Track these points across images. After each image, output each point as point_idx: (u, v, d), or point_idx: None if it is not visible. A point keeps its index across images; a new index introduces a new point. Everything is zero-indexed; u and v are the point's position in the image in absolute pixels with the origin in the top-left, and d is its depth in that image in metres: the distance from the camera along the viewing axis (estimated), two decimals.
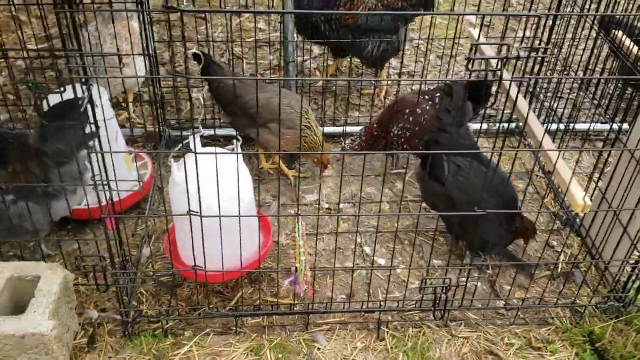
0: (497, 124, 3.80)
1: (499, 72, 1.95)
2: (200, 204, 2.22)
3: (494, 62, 2.03)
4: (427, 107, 3.22)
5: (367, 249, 3.10)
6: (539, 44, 3.58)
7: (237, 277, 2.73)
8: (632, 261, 2.61)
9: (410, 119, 3.21)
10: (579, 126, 3.84)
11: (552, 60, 3.79)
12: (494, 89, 3.31)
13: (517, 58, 1.96)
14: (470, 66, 1.95)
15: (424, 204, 3.33)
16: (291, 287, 2.57)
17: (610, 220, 2.70)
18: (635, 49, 3.12)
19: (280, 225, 3.18)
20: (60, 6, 1.88)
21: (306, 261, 2.38)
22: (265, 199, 3.39)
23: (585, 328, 2.64)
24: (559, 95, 3.89)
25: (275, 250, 2.98)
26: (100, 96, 2.89)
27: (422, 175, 2.98)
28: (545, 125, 3.54)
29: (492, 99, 3.16)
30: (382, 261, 3.03)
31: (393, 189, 3.52)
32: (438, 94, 3.22)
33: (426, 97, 3.25)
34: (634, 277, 2.64)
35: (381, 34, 3.67)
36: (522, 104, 2.77)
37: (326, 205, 3.38)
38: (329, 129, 3.87)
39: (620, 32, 3.35)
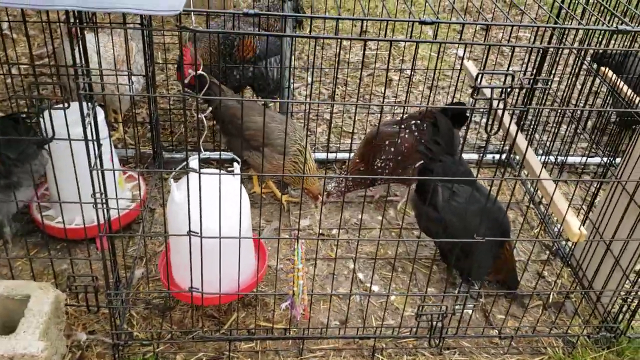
0: (492, 154, 3.86)
1: (502, 102, 2.00)
2: (201, 224, 2.21)
3: (489, 91, 2.07)
4: (406, 136, 3.29)
5: (361, 276, 3.09)
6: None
7: (231, 301, 2.70)
8: (624, 292, 2.64)
9: (392, 149, 3.27)
10: (569, 159, 3.93)
11: (540, 94, 3.89)
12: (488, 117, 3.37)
13: (521, 87, 2.01)
14: (475, 94, 1.99)
15: (416, 232, 3.35)
16: (288, 310, 2.55)
17: (602, 251, 2.74)
18: (625, 88, 3.21)
19: (275, 249, 3.16)
20: (72, 22, 1.88)
21: (304, 285, 2.37)
22: (259, 223, 3.37)
23: (577, 358, 2.65)
24: (548, 128, 3.98)
25: (269, 275, 2.96)
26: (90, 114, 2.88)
27: (417, 201, 3.01)
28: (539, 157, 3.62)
29: (493, 129, 3.22)
30: (375, 288, 3.02)
31: (387, 216, 3.54)
32: (413, 122, 3.30)
33: (402, 125, 3.32)
34: (625, 308, 2.67)
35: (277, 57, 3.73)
36: (519, 135, 2.83)
37: (320, 231, 3.37)
38: (320, 155, 3.90)
39: (610, 71, 3.45)
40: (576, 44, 3.94)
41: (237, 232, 2.28)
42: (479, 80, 1.95)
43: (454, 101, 3.55)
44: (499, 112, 2.11)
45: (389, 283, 3.04)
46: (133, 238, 3.15)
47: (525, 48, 4.22)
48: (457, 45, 5.53)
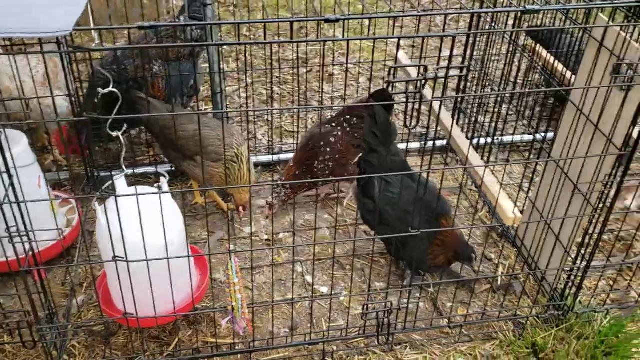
0: (424, 142, 3.85)
1: (419, 93, 1.97)
2: (125, 249, 2.12)
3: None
4: (340, 134, 3.25)
5: (309, 278, 3.04)
6: (464, 62, 3.69)
7: (173, 321, 2.62)
8: (567, 269, 2.65)
9: (328, 149, 3.22)
10: (506, 138, 3.95)
11: (478, 75, 3.89)
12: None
13: (435, 78, 1.98)
14: (391, 89, 1.95)
15: (364, 227, 3.32)
16: (230, 326, 2.48)
17: (543, 229, 2.75)
18: (557, 64, 3.24)
19: (219, 261, 3.09)
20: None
21: (242, 299, 2.31)
22: (202, 235, 3.29)
23: (528, 339, 2.66)
24: (485, 109, 3.99)
25: (215, 289, 2.88)
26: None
27: (359, 195, 2.98)
28: (477, 139, 3.62)
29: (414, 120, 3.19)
30: (324, 289, 2.98)
31: (332, 214, 3.49)
32: (343, 119, 3.26)
33: (333, 124, 3.28)
34: (570, 285, 2.68)
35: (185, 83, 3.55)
36: (447, 121, 2.81)
37: (265, 237, 3.31)
38: (263, 158, 3.83)
39: (541, 47, 3.48)
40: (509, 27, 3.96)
41: (169, 251, 2.20)
42: (392, 74, 1.92)
43: (377, 89, 3.50)
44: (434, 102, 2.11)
45: (339, 283, 3.01)
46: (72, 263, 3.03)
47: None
48: (393, 34, 5.51)
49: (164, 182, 2.41)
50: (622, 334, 2.59)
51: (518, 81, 4.20)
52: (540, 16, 3.77)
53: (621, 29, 2.24)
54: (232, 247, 3.20)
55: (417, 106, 1.99)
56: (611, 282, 3.00)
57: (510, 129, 4.08)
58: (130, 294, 2.22)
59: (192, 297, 2.45)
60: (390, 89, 1.95)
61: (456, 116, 3.84)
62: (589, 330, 2.63)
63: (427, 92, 3.01)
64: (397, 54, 3.06)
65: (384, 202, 2.77)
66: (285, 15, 5.73)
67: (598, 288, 2.96)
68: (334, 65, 4.95)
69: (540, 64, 3.42)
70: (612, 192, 2.40)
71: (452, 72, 2.00)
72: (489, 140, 3.44)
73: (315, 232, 3.32)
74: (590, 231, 2.48)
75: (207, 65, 3.62)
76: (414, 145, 3.97)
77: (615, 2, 1.97)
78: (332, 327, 2.70)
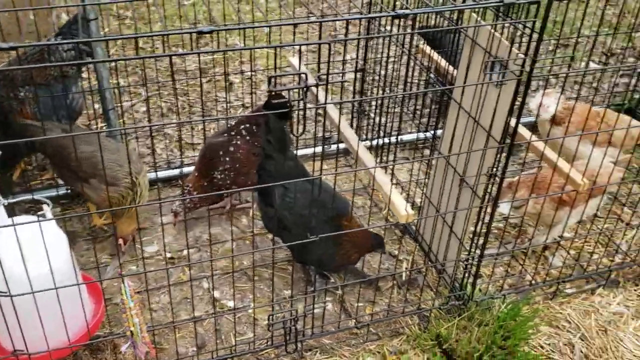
0: (327, 146, 3.91)
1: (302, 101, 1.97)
2: (6, 282, 1.99)
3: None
4: (239, 142, 3.23)
5: (217, 294, 2.99)
6: (360, 65, 3.75)
7: (69, 353, 2.49)
8: (463, 259, 2.76)
9: (228, 159, 3.19)
10: (407, 137, 4.07)
11: (373, 77, 3.98)
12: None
13: (317, 85, 2.00)
14: (271, 99, 1.95)
15: (271, 236, 3.30)
16: (132, 350, 2.39)
17: (439, 223, 2.84)
18: (444, 63, 3.34)
19: (119, 284, 2.97)
20: None
21: (140, 322, 2.22)
22: (102, 259, 3.15)
23: (432, 331, 2.73)
24: (386, 110, 4.09)
25: (116, 313, 2.77)
26: None
27: (260, 203, 2.97)
28: (377, 140, 3.69)
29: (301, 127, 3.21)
30: (232, 303, 2.94)
31: (239, 224, 3.45)
32: (243, 127, 3.25)
33: (232, 132, 3.26)
34: (467, 274, 2.79)
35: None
36: (343, 124, 2.84)
37: (169, 255, 3.22)
38: (163, 173, 3.72)
39: (429, 48, 3.58)
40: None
41: (56, 281, 2.08)
42: (272, 84, 1.91)
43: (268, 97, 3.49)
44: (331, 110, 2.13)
45: (247, 295, 2.97)
46: None
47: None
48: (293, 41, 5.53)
49: (47, 209, 2.29)
50: (518, 317, 2.72)
51: (415, 81, 4.33)
52: (434, 17, 3.90)
53: (493, 28, 2.35)
54: (134, 268, 3.11)
55: (314, 112, 2.00)
56: (508, 268, 3.15)
57: (410, 127, 4.20)
58: (18, 330, 2.09)
59: (95, 321, 2.35)
60: (273, 97, 1.95)
61: (355, 118, 3.91)
62: (489, 316, 2.74)
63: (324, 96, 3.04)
64: (298, 62, 3.07)
65: (282, 208, 2.77)
66: (185, 26, 5.62)
67: (496, 275, 3.10)
68: (227, 75, 4.90)
69: (428, 63, 3.53)
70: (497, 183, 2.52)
71: (339, 78, 2.03)
72: (391, 140, 3.52)
73: (232, 245, 3.26)
74: (480, 221, 2.59)
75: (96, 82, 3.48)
76: (317, 149, 4.00)
77: (481, 2, 2.06)
78: (240, 341, 2.66)
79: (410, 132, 4.11)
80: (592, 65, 5.03)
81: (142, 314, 2.27)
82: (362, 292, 2.98)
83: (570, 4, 5.02)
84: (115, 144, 3.17)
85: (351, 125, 3.93)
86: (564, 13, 3.51)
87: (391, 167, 3.52)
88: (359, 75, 3.66)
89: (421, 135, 3.96)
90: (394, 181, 3.60)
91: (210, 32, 1.83)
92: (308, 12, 6.36)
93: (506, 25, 2.30)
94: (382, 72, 3.80)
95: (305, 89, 1.96)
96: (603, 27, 5.51)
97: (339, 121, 2.42)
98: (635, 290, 3.03)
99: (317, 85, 1.99)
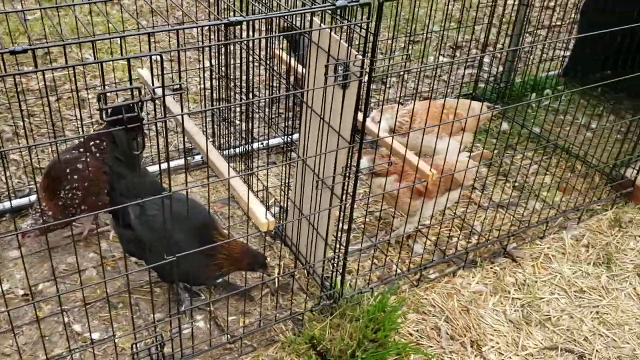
0: (190, 158, 3.81)
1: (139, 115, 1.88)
2: None
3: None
4: (88, 159, 3.05)
5: (78, 327, 2.78)
6: (220, 71, 3.67)
7: None
8: (330, 258, 2.79)
9: (75, 177, 2.99)
10: (272, 142, 4.06)
11: (234, 84, 3.92)
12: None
13: (153, 99, 1.91)
14: (105, 116, 1.83)
15: (135, 258, 3.14)
16: None
17: (305, 225, 2.85)
18: (298, 66, 3.36)
19: None
20: None
21: None
22: None
23: (307, 334, 2.74)
24: (252, 116, 4.04)
25: None
26: None
27: (114, 225, 2.81)
28: (242, 147, 3.64)
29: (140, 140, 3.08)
30: (96, 335, 2.75)
31: (98, 251, 3.25)
32: (92, 143, 3.08)
33: (81, 149, 3.07)
34: (335, 272, 2.82)
35: None
36: (197, 135, 2.76)
37: (21, 292, 2.95)
38: (13, 203, 3.42)
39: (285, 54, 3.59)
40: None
41: None
42: (102, 101, 1.80)
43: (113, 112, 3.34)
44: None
45: (110, 324, 2.80)
46: None
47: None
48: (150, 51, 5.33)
49: None
50: (387, 308, 2.80)
51: (276, 86, 4.33)
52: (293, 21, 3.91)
53: (332, 30, 2.39)
54: None
55: (162, 128, 1.90)
56: (375, 261, 3.23)
57: (276, 132, 4.20)
58: None
59: None
60: (104, 115, 1.83)
61: (217, 126, 3.83)
62: (359, 311, 2.80)
63: (175, 107, 2.94)
64: (148, 73, 2.94)
65: (141, 227, 2.64)
66: (26, 43, 5.21)
67: (365, 269, 3.17)
68: (77, 91, 4.61)
69: (281, 67, 3.54)
70: (352, 182, 2.57)
71: (169, 91, 1.95)
72: (253, 147, 3.49)
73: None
74: (341, 219, 2.63)
75: None
76: (180, 162, 3.88)
77: (314, 7, 2.08)
78: None
79: (274, 137, 4.11)
80: (441, 59, 5.33)
81: None
82: (235, 305, 2.92)
83: (419, 2, 5.30)
84: None
85: (213, 134, 3.85)
86: (412, 10, 3.67)
87: (256, 174, 3.49)
88: (221, 83, 3.59)
89: (281, 140, 3.97)
90: (261, 187, 3.58)
91: (23, 51, 1.68)
92: (165, 21, 6.16)
93: (345, 27, 2.35)
94: (244, 78, 3.76)
95: (140, 103, 1.87)
96: (449, 23, 5.87)
97: (194, 132, 2.34)
98: (491, 268, 3.24)
99: (152, 100, 1.90)
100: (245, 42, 3.13)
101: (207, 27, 3.53)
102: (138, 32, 1.90)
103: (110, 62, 4.72)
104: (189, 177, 3.80)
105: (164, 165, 2.11)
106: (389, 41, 5.41)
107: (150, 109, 4.39)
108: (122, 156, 2.66)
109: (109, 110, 1.97)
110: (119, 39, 1.89)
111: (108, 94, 1.97)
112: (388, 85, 4.95)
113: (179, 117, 2.98)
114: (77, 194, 3.00)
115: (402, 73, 4.85)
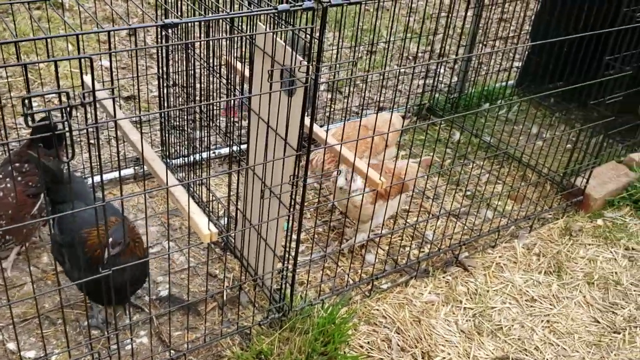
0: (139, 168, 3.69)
1: (66, 122, 1.78)
2: None
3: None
4: (9, 185, 2.83)
5: (12, 346, 2.63)
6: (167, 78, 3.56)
7: None
8: (279, 270, 2.71)
9: None
10: (224, 151, 3.98)
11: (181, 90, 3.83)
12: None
13: (83, 105, 1.82)
14: (30, 122, 1.73)
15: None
16: None
17: (254, 236, 2.77)
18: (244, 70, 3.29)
19: None
20: None
21: None
22: None
23: (254, 349, 2.65)
24: (203, 124, 3.95)
25: None
26: None
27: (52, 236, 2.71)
28: (191, 156, 3.54)
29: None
30: (32, 354, 2.61)
31: (39, 264, 3.10)
32: (11, 167, 2.89)
33: (0, 175, 2.89)
34: (284, 284, 2.75)
35: None
36: (139, 145, 2.67)
37: None
38: None
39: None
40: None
41: None
42: (27, 105, 1.70)
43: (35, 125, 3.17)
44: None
45: (50, 341, 2.66)
46: None
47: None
48: (101, 55, 5.19)
49: None
50: (337, 319, 2.74)
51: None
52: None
53: (277, 35, 2.33)
54: None
55: (93, 135, 1.80)
56: (328, 272, 3.17)
57: (226, 140, 4.11)
58: None
59: None
60: (29, 121, 1.73)
61: (166, 135, 3.73)
62: (309, 324, 2.73)
63: (119, 114, 2.84)
64: (89, 78, 2.82)
65: (59, 231, 2.59)
66: None
67: (317, 280, 3.11)
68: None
69: (231, 74, 3.47)
70: (300, 191, 2.51)
71: (101, 95, 1.86)
72: (205, 155, 3.40)
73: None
74: (290, 229, 2.56)
75: None
76: (129, 171, 3.75)
77: (255, 10, 2.02)
78: None
79: (223, 146, 4.02)
80: (397, 69, 5.33)
81: None
82: (181, 319, 2.82)
83: (375, 12, 5.30)
84: None
85: (162, 143, 3.74)
86: (371, 21, 3.66)
87: (205, 183, 3.40)
88: (169, 90, 3.49)
89: (233, 148, 3.88)
90: (212, 198, 3.49)
91: None
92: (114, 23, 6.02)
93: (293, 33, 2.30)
94: (198, 86, 3.67)
95: (68, 109, 1.78)
96: (407, 34, 5.91)
97: (135, 140, 2.25)
98: (443, 277, 3.22)
99: (83, 105, 1.80)
100: (190, 46, 3.05)
101: (160, 32, 3.43)
102: (66, 34, 1.81)
103: (66, 69, 4.56)
104: (136, 188, 3.68)
105: (123, 173, 2.03)
106: (347, 50, 5.41)
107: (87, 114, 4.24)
108: (49, 167, 2.57)
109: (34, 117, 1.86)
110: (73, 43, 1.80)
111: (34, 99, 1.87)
112: (344, 95, 4.93)
113: (124, 125, 2.90)
114: (0, 224, 2.81)
115: (359, 82, 4.84)
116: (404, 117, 3.96)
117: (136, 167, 3.78)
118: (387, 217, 3.28)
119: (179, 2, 2.97)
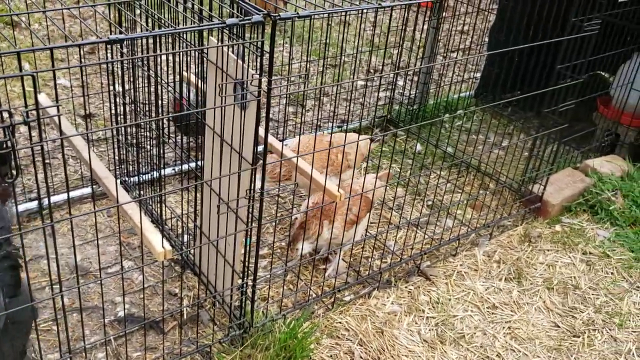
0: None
1: (8, 141, 1.73)
2: None
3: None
4: None
5: None
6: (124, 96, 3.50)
7: None
8: (238, 286, 2.68)
9: None
10: (185, 167, 3.93)
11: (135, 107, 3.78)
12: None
13: (26, 123, 1.77)
14: None
15: None
16: None
17: (213, 252, 2.73)
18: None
19: None
20: None
21: None
22: None
23: None
24: (162, 140, 3.90)
25: None
26: None
27: None
28: (148, 174, 3.49)
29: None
30: None
31: None
32: None
33: None
34: (244, 300, 2.71)
35: None
36: (93, 163, 2.62)
37: None
38: None
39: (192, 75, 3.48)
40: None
41: None
42: None
43: None
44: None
45: None
46: None
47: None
48: (62, 72, 5.10)
49: None
50: (299, 334, 2.71)
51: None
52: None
53: (229, 49, 2.32)
54: None
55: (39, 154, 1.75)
56: (290, 286, 3.15)
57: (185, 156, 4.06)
58: None
59: None
60: None
61: (122, 152, 3.67)
62: (271, 339, 2.70)
63: (71, 131, 2.78)
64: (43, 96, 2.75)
65: None
66: None
67: (279, 294, 3.08)
68: None
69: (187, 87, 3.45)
70: (257, 205, 2.49)
71: (52, 112, 1.82)
72: (161, 172, 3.34)
73: None
74: (248, 244, 2.54)
75: None
76: (86, 190, 3.68)
77: (204, 25, 2.01)
78: None
79: (180, 163, 3.98)
80: (360, 82, 5.38)
81: None
82: (141, 340, 2.75)
83: (336, 27, 5.35)
84: None
85: (120, 160, 3.68)
86: (326, 35, 3.67)
87: (163, 200, 3.35)
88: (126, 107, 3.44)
89: (188, 165, 3.84)
90: (170, 215, 3.44)
91: None
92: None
93: (245, 46, 2.29)
94: (145, 99, 3.63)
95: (11, 127, 1.73)
96: (367, 47, 5.96)
97: (87, 158, 2.20)
98: (406, 287, 3.22)
99: (26, 123, 1.76)
100: (140, 62, 3.02)
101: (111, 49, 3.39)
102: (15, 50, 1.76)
103: (17, 88, 4.47)
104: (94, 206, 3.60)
105: (80, 193, 1.98)
106: (304, 64, 5.43)
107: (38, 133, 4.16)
108: None
109: None
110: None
111: None
112: (307, 108, 4.94)
113: (76, 144, 2.84)
114: None
115: (317, 95, 4.85)
116: (372, 140, 3.89)
117: (94, 186, 3.71)
118: (357, 238, 3.27)
119: (138, 19, 2.94)
